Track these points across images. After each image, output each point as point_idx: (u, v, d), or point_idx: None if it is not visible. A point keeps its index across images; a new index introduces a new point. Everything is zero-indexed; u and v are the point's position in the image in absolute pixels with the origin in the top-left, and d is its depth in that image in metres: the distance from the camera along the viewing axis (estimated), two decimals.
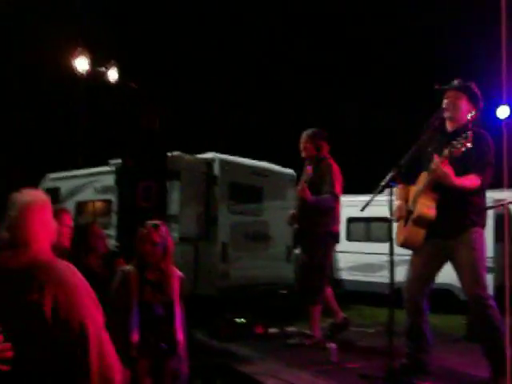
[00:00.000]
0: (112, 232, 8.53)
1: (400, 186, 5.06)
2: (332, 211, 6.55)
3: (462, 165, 4.62)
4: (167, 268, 4.12)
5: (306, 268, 6.62)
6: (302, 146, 6.77)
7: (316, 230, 6.51)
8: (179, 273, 4.24)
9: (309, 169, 6.50)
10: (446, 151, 4.52)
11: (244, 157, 9.96)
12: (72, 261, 3.82)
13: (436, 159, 4.59)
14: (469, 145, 4.40)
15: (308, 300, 6.58)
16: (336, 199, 6.49)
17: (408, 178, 4.98)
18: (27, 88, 19.32)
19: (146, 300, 4.02)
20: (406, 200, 5.05)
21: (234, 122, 23.01)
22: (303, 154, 6.76)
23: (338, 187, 6.54)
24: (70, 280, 2.39)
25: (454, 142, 4.47)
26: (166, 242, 4.15)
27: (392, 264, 4.46)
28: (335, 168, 6.60)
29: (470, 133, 4.46)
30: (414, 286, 4.93)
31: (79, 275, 2.46)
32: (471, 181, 4.64)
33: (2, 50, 17.64)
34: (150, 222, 4.22)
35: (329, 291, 6.93)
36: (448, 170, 4.53)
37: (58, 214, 3.73)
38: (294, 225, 6.86)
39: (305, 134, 6.78)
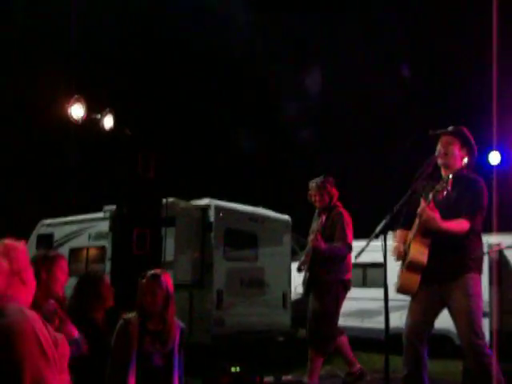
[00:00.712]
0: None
1: (400, 230, 5.05)
2: (344, 259, 6.55)
3: (454, 210, 4.65)
4: (169, 318, 4.05)
5: (317, 316, 6.56)
6: (315, 197, 6.78)
7: (328, 277, 6.50)
8: (181, 323, 4.19)
9: (323, 218, 6.51)
10: (430, 195, 4.57)
11: (239, 202, 9.98)
12: (74, 313, 3.79)
13: (422, 204, 4.62)
14: (449, 188, 4.44)
15: (316, 347, 6.51)
16: (349, 248, 6.49)
17: (407, 222, 4.98)
18: (21, 134, 19.42)
19: (146, 350, 3.95)
20: (404, 242, 5.04)
21: (229, 167, 23.11)
22: (317, 205, 6.78)
23: (350, 236, 6.56)
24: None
25: (437, 186, 4.52)
26: (166, 292, 4.06)
27: (387, 310, 4.43)
28: (346, 216, 6.62)
29: (451, 177, 4.51)
30: (412, 333, 4.87)
31: (32, 323, 2.43)
32: (459, 225, 4.62)
33: None
34: (150, 272, 4.14)
35: (344, 340, 6.87)
36: (434, 214, 4.54)
37: (53, 258, 3.67)
38: (304, 271, 6.83)
39: (315, 184, 6.78)
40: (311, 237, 6.56)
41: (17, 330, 2.38)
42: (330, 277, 6.48)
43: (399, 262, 4.99)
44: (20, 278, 2.60)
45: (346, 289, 6.69)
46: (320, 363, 6.57)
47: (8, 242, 2.67)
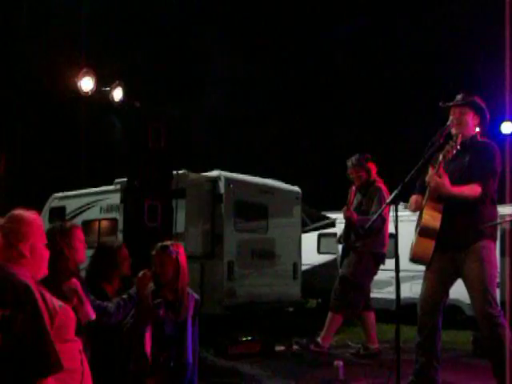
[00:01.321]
0: None
1: (415, 195, 5.03)
2: (379, 233, 6.61)
3: (467, 174, 4.64)
4: (182, 288, 4.10)
5: (344, 281, 6.68)
6: (353, 175, 6.88)
7: (361, 249, 6.60)
8: (195, 295, 4.25)
9: (353, 189, 6.61)
10: (440, 156, 4.54)
11: (250, 174, 9.98)
12: (88, 281, 3.83)
13: (430, 172, 4.59)
14: (458, 147, 4.45)
15: (335, 307, 6.60)
16: (383, 221, 6.54)
17: (422, 189, 4.95)
18: (32, 108, 19.45)
19: (159, 318, 4.01)
20: (419, 207, 5.00)
21: (239, 139, 23.07)
22: (356, 182, 6.86)
23: (387, 210, 6.60)
24: None
25: (447, 147, 4.52)
26: (176, 263, 4.10)
27: (398, 280, 4.44)
28: (384, 190, 6.71)
29: (459, 135, 4.49)
30: (428, 302, 4.86)
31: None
32: (471, 189, 4.60)
33: (8, 70, 17.81)
34: (160, 244, 4.19)
35: (372, 316, 6.97)
36: (443, 179, 4.51)
37: (70, 230, 3.69)
38: (342, 243, 6.97)
39: (351, 163, 6.90)
40: (344, 208, 6.65)
41: None
42: (364, 248, 6.60)
43: (411, 233, 4.98)
44: (18, 251, 2.58)
45: (378, 262, 6.78)
46: (336, 327, 6.66)
47: (16, 212, 2.65)
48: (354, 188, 6.76)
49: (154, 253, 4.14)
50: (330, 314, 6.67)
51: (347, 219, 6.66)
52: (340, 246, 7.53)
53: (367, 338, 7.03)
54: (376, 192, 6.71)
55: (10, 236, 2.59)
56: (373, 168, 6.89)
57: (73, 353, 2.69)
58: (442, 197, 4.64)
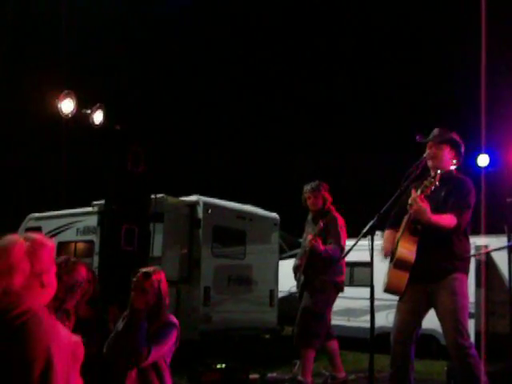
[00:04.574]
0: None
1: (388, 230, 5.09)
2: (338, 262, 6.62)
3: (442, 207, 4.70)
4: (161, 317, 3.98)
5: (306, 312, 6.65)
6: (309, 200, 6.87)
7: (321, 278, 6.60)
8: (175, 320, 4.10)
9: (321, 224, 6.57)
10: (418, 191, 4.61)
11: (228, 200, 9.99)
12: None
13: (414, 194, 4.65)
14: (437, 183, 4.51)
15: (303, 342, 6.57)
16: (342, 251, 6.57)
17: (396, 223, 5.01)
18: (11, 128, 19.35)
19: None
20: (392, 243, 5.05)
21: (218, 164, 23.11)
22: (311, 208, 6.86)
23: (344, 239, 6.68)
24: None
25: (425, 182, 4.59)
26: (158, 291, 3.97)
27: (372, 309, 4.45)
28: (340, 220, 6.73)
29: (439, 172, 4.56)
30: (400, 333, 4.88)
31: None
32: (448, 219, 4.65)
33: None
34: (142, 270, 4.02)
35: (335, 345, 6.94)
36: (425, 205, 4.57)
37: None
38: (299, 274, 6.93)
39: (310, 188, 6.87)
40: (308, 240, 6.61)
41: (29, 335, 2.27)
42: (324, 278, 6.58)
43: (387, 262, 5.02)
44: (40, 281, 2.48)
45: (338, 291, 6.79)
46: (311, 360, 6.62)
47: (37, 237, 2.54)
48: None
49: (135, 280, 3.96)
50: (301, 351, 6.62)
51: (312, 249, 6.59)
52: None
53: (333, 368, 7.00)
54: (334, 221, 6.71)
55: (36, 264, 2.47)
56: (329, 197, 6.89)
57: None
58: (417, 230, 4.70)
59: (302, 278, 6.83)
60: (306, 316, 6.64)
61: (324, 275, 6.60)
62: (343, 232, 6.71)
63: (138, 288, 3.91)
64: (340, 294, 6.94)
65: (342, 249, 6.60)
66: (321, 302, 6.64)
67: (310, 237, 6.59)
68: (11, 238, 2.52)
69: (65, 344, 2.38)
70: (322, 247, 6.48)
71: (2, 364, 2.24)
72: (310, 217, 6.98)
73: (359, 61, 24.38)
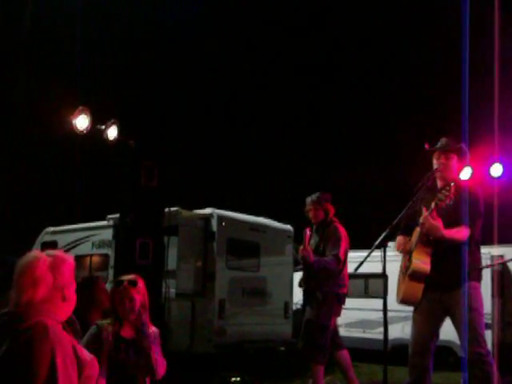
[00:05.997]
0: (108, 287, 8.51)
1: (400, 236, 5.09)
2: (338, 274, 6.59)
3: (453, 218, 4.71)
4: (145, 326, 3.90)
5: (309, 326, 6.62)
6: (310, 212, 6.85)
7: (322, 290, 6.57)
8: (155, 329, 4.01)
9: (308, 232, 6.56)
10: (432, 204, 4.63)
11: (242, 212, 10.01)
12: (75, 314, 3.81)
13: (424, 213, 4.67)
14: (452, 196, 4.52)
15: (309, 356, 6.54)
16: (339, 262, 6.52)
17: (408, 230, 5.02)
18: (27, 144, 19.56)
19: (120, 358, 3.79)
20: (405, 248, 5.06)
21: (232, 177, 23.17)
22: (313, 220, 6.85)
23: (342, 250, 6.58)
24: None
25: (439, 195, 4.59)
26: (143, 298, 3.94)
27: (385, 321, 4.45)
28: (342, 231, 6.68)
29: (452, 184, 4.58)
30: (417, 344, 4.88)
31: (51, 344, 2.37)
32: (460, 232, 4.69)
33: (4, 105, 17.95)
34: (127, 277, 3.99)
35: (345, 355, 6.87)
36: (436, 222, 4.59)
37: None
38: (303, 287, 6.92)
39: (311, 200, 6.86)
40: (301, 249, 6.62)
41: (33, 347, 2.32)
42: (324, 289, 6.55)
43: (398, 274, 5.04)
44: (62, 294, 2.56)
45: (340, 303, 6.74)
46: (321, 372, 6.58)
47: (58, 254, 2.62)
48: (307, 232, 6.68)
49: (121, 288, 3.93)
50: (311, 366, 6.59)
51: (304, 260, 6.58)
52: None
53: (348, 381, 6.93)
54: (333, 232, 6.68)
55: (59, 278, 2.55)
56: (331, 209, 6.87)
57: None
58: (430, 241, 4.71)
59: (304, 289, 6.83)
60: (310, 329, 6.61)
61: (326, 287, 6.58)
62: (343, 244, 6.60)
63: (126, 297, 3.87)
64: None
65: (340, 260, 6.55)
66: (324, 313, 6.60)
67: (300, 247, 6.60)
68: (34, 254, 2.61)
69: (71, 360, 2.41)
70: (311, 258, 6.46)
71: (7, 375, 2.30)
72: (314, 228, 6.97)
73: (376, 70, 24.42)
